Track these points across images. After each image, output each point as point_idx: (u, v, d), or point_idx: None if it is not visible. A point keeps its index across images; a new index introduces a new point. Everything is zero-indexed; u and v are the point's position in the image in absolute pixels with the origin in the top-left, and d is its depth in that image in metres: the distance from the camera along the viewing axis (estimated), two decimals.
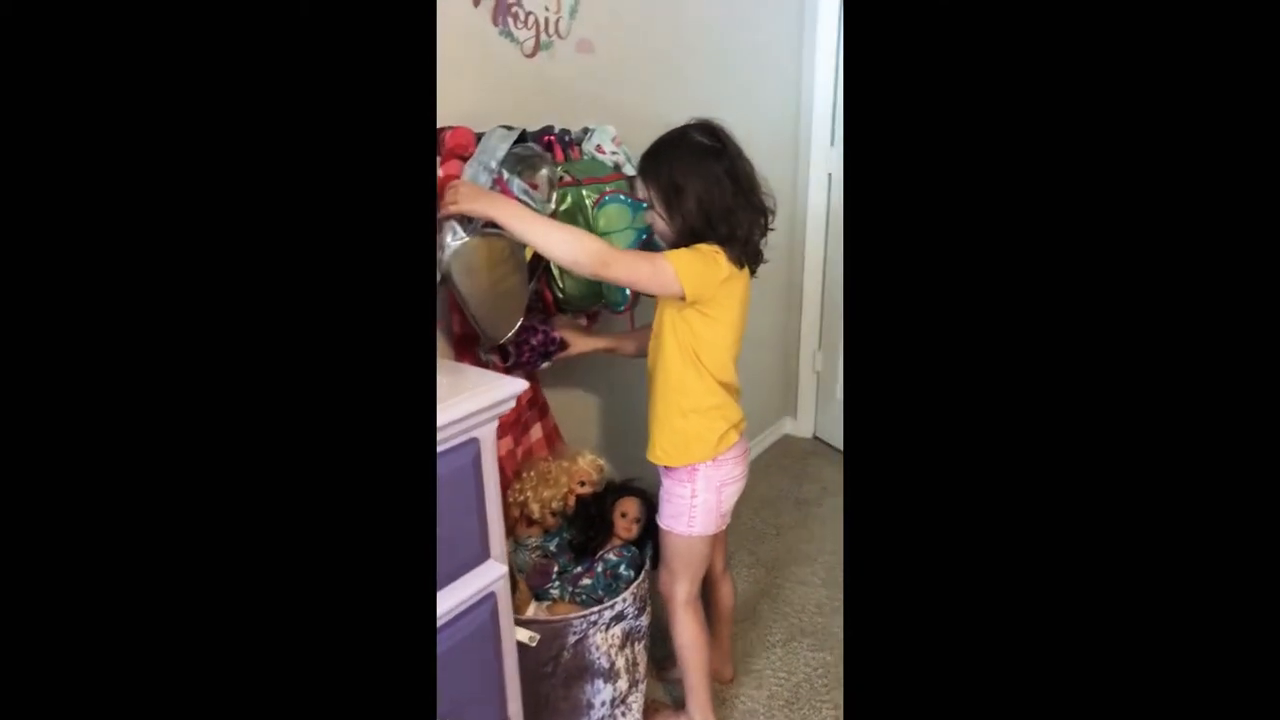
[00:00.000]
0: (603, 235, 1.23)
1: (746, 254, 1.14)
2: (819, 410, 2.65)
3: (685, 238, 1.11)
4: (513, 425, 1.34)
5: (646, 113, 1.56)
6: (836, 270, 2.39)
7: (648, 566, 1.32)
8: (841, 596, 1.77)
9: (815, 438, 2.67)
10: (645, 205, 1.17)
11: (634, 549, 1.38)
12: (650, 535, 1.39)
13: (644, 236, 1.25)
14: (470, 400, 0.89)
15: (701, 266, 1.08)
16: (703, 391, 1.18)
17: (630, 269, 1.07)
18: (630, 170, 1.36)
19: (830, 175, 2.34)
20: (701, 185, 1.09)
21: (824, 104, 2.30)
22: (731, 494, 1.24)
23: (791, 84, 2.29)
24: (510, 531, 1.30)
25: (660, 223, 1.14)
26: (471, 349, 1.24)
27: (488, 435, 0.94)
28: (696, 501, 1.21)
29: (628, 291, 1.32)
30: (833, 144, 2.32)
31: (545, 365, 1.30)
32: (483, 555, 0.97)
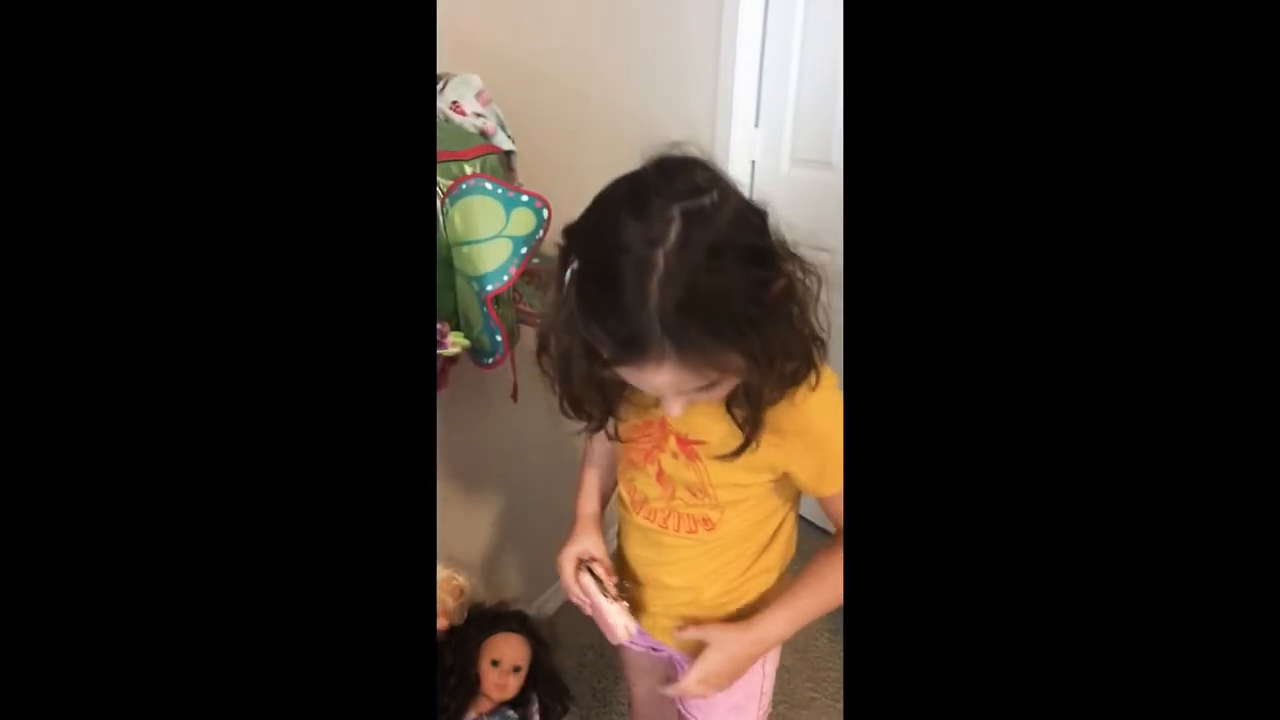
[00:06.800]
0: (460, 248, 0.76)
1: None
2: None
3: None
4: None
5: (517, 59, 1.09)
6: None
7: None
8: None
9: None
10: (526, 199, 0.70)
11: (513, 714, 0.92)
12: (542, 689, 0.94)
13: (524, 251, 0.78)
14: None
15: None
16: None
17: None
18: (505, 142, 0.89)
19: (754, 163, 1.95)
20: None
21: (748, 75, 1.90)
22: None
23: (709, 48, 1.88)
24: None
25: None
26: None
27: None
28: (768, 667, 0.77)
29: (499, 334, 0.84)
30: (757, 125, 1.93)
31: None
32: None
